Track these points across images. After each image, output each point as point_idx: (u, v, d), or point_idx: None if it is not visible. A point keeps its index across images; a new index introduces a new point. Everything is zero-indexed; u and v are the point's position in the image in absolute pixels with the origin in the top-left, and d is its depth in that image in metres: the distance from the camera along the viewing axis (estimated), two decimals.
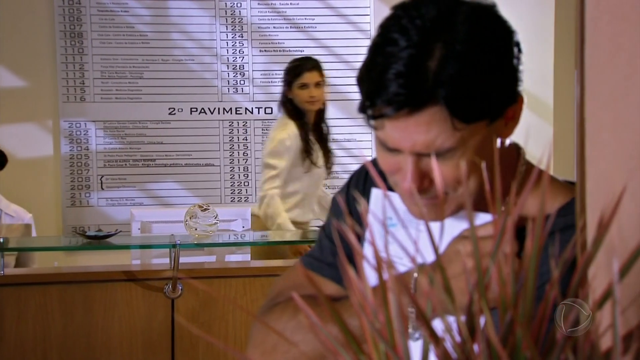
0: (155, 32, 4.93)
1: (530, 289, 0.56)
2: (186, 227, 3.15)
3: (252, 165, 5.02)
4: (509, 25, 1.03)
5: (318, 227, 3.65)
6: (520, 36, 1.04)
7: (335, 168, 4.04)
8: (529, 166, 1.12)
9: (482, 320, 0.55)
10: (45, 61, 4.86)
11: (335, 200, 1.28)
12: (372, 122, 1.00)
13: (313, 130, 3.83)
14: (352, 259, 0.61)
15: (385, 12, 1.03)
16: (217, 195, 4.99)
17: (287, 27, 5.03)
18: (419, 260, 0.63)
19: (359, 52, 4.49)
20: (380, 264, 0.58)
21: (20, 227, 3.83)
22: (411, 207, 1.06)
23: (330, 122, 3.97)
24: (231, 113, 5.01)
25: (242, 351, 1.47)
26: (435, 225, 0.62)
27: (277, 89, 4.97)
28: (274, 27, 5.02)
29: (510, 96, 1.02)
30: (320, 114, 3.86)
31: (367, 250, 1.07)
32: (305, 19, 5.03)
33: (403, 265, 0.99)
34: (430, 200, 1.03)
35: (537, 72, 4.66)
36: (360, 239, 1.10)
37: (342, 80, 4.79)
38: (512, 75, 1.01)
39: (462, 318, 0.56)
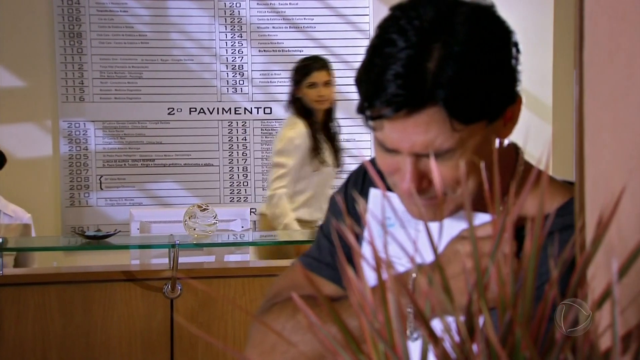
0: (155, 32, 4.92)
1: (529, 289, 0.56)
2: (185, 227, 3.15)
3: (251, 165, 5.02)
4: (508, 26, 1.03)
5: None
6: (519, 36, 1.04)
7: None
8: (528, 166, 1.12)
9: (481, 321, 0.55)
10: (45, 61, 4.86)
11: (333, 199, 1.28)
12: (371, 123, 1.00)
13: (322, 129, 3.84)
14: (351, 258, 0.61)
15: (385, 12, 1.03)
16: (216, 195, 4.98)
17: (286, 27, 5.03)
18: (418, 260, 0.62)
19: (358, 52, 4.48)
20: (380, 264, 0.58)
21: (19, 227, 3.82)
22: (410, 207, 1.06)
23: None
24: (230, 113, 5.00)
25: (241, 351, 1.47)
26: (434, 226, 0.62)
27: (277, 89, 4.99)
28: (273, 27, 5.02)
29: (509, 96, 1.02)
30: (329, 112, 3.87)
31: (366, 250, 1.07)
32: (304, 19, 5.03)
33: (402, 265, 0.99)
34: (429, 201, 1.03)
35: (536, 72, 4.66)
36: (358, 238, 1.10)
37: (341, 80, 4.78)
38: (510, 76, 1.01)
39: (461, 318, 0.56)
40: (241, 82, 5.00)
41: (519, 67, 1.02)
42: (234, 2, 4.99)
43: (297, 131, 3.75)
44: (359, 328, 0.58)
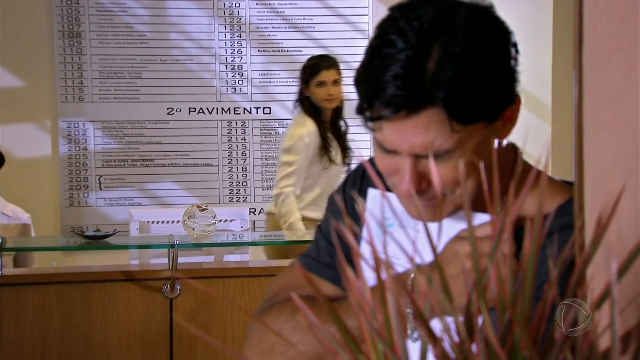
0: (154, 32, 4.92)
1: (528, 289, 0.56)
2: (184, 227, 3.15)
3: (250, 165, 5.02)
4: (507, 26, 1.02)
5: None
6: (518, 36, 1.04)
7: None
8: (527, 166, 1.12)
9: (480, 321, 0.55)
10: (44, 61, 4.85)
11: (332, 199, 1.28)
12: (370, 123, 1.00)
13: (330, 127, 3.84)
14: (350, 259, 0.61)
15: (384, 12, 1.03)
16: (215, 195, 4.98)
17: (285, 27, 5.03)
18: (417, 260, 0.62)
19: (358, 52, 4.48)
20: (379, 264, 0.58)
21: (18, 226, 3.82)
22: (409, 208, 1.06)
23: None
24: (230, 113, 5.00)
25: (240, 351, 1.47)
26: (433, 226, 0.62)
27: (276, 89, 5.00)
28: (273, 27, 5.02)
29: (508, 97, 1.02)
30: (338, 111, 3.87)
31: (365, 250, 1.07)
32: (303, 19, 5.03)
33: (401, 265, 0.99)
34: (428, 202, 1.03)
35: (535, 72, 4.66)
36: (357, 238, 1.10)
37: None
38: (510, 76, 1.01)
39: (461, 318, 0.56)
40: (240, 82, 5.00)
41: (518, 68, 1.02)
42: (234, 2, 4.99)
43: (307, 129, 3.75)
44: (358, 328, 0.58)
